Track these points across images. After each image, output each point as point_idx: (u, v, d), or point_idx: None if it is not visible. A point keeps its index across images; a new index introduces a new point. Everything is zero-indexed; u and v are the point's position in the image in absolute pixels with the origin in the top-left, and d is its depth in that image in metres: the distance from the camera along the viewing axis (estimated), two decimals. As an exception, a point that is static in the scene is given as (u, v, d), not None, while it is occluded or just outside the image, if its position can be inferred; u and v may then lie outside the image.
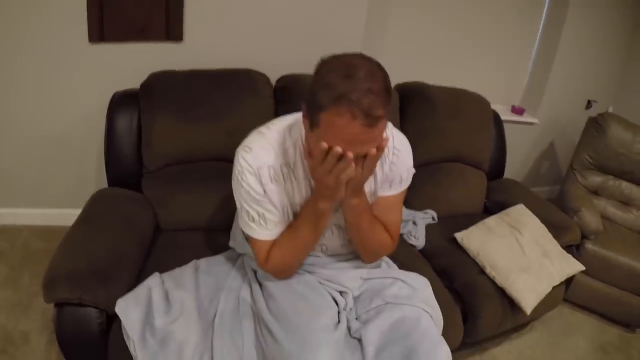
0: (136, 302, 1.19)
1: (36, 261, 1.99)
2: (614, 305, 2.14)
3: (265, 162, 1.07)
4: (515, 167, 3.02)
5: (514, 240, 1.77)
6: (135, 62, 1.96)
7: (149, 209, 1.65)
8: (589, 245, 2.10)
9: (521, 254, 1.72)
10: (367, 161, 0.96)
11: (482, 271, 1.68)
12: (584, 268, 1.83)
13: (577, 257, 2.03)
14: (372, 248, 1.24)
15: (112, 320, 1.19)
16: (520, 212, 1.94)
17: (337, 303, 1.21)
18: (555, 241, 1.85)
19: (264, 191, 1.08)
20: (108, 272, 1.25)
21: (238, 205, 1.14)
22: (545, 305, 1.76)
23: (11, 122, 2.12)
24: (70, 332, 1.18)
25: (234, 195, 1.13)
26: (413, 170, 1.23)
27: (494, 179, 2.28)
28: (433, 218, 1.98)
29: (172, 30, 2.09)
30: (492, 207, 2.12)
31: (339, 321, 1.16)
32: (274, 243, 1.14)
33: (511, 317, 1.63)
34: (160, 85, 1.78)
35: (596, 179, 2.49)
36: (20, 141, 2.16)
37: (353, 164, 0.92)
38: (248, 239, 1.20)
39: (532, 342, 2.00)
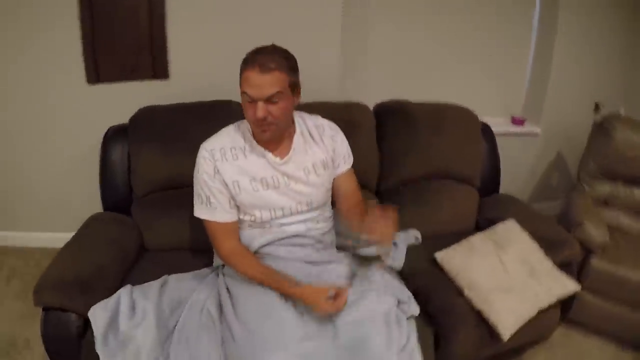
0: (105, 308, 1.34)
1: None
2: (627, 327, 1.94)
3: (217, 146, 1.40)
4: (520, 182, 2.89)
5: (497, 259, 1.67)
6: (127, 99, 2.10)
7: (136, 230, 1.81)
8: (594, 261, 1.94)
9: (503, 274, 1.62)
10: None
11: (461, 293, 1.59)
12: (578, 288, 1.67)
13: (582, 275, 1.89)
14: None
15: (89, 325, 1.33)
16: (508, 229, 1.83)
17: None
18: (546, 259, 1.71)
19: (216, 170, 1.37)
20: (89, 283, 1.42)
21: (195, 194, 1.43)
22: (536, 330, 1.64)
23: (25, 156, 2.41)
24: (53, 333, 1.36)
25: (194, 184, 1.44)
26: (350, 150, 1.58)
27: (488, 195, 2.18)
28: (417, 238, 1.91)
29: (158, 69, 2.25)
30: (484, 224, 2.00)
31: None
32: (248, 255, 1.39)
33: (490, 342, 1.51)
34: (146, 119, 1.93)
35: (605, 188, 2.30)
36: (33, 173, 2.45)
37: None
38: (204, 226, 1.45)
39: (536, 371, 1.85)
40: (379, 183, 2.06)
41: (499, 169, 2.21)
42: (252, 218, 1.43)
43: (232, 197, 1.40)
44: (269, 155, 1.40)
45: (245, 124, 1.44)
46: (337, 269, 1.43)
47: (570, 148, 2.87)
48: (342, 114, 1.86)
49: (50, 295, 1.34)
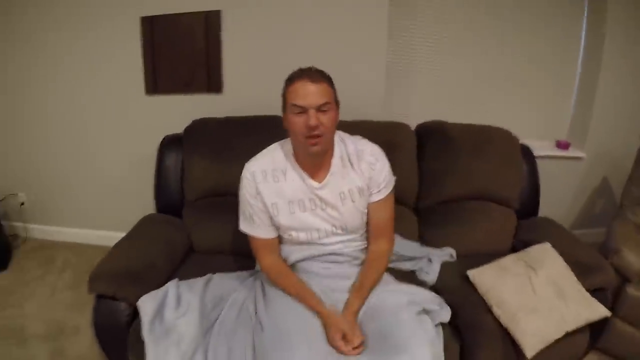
0: (153, 298, 1.47)
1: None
2: (664, 360, 1.91)
3: (259, 167, 1.48)
4: (563, 207, 2.86)
5: (527, 280, 1.71)
6: (182, 110, 2.30)
7: (185, 232, 1.98)
8: (631, 290, 1.92)
9: (531, 294, 1.65)
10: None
11: (489, 310, 1.64)
12: (609, 314, 1.67)
13: (617, 304, 1.88)
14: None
15: (137, 315, 1.46)
16: (542, 251, 1.85)
17: None
18: (578, 283, 1.73)
19: (257, 191, 1.46)
20: (140, 276, 1.56)
21: (240, 209, 1.53)
22: (563, 353, 1.65)
23: (85, 158, 2.66)
24: (103, 321, 1.51)
25: (239, 200, 1.53)
26: (393, 177, 1.56)
27: (526, 217, 2.19)
28: (452, 256, 1.97)
29: (212, 84, 2.43)
30: (520, 247, 2.02)
31: None
32: (284, 271, 1.49)
33: (515, 360, 1.56)
34: (199, 130, 2.10)
35: (649, 216, 2.27)
36: (90, 173, 2.69)
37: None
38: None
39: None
40: (418, 202, 2.14)
41: (539, 191, 2.23)
42: (290, 237, 1.52)
43: (271, 217, 1.49)
44: (308, 178, 1.46)
45: (288, 144, 1.49)
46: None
47: (616, 174, 2.83)
48: (384, 134, 1.97)
49: (103, 284, 1.48)
